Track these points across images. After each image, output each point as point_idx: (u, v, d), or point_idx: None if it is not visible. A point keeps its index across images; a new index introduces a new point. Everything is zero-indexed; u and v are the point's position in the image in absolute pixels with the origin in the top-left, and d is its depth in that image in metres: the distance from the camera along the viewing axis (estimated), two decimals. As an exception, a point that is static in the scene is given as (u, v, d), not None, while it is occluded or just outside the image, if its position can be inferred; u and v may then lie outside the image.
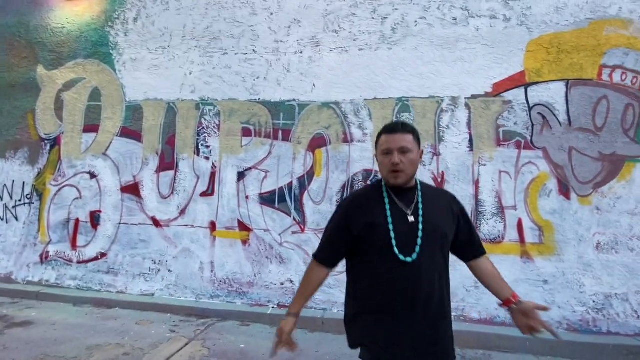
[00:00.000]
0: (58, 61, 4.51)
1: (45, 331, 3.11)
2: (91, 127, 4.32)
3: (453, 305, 3.43)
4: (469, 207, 3.56)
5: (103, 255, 4.13)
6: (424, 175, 3.65)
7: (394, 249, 1.21)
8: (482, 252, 1.46)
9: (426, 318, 1.24)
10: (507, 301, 1.34)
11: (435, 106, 3.73)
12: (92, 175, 4.25)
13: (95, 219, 4.20)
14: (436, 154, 3.67)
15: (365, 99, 3.85)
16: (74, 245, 4.20)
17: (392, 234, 1.23)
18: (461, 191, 3.57)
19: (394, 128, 1.30)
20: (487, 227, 3.52)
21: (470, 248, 1.45)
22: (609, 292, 3.28)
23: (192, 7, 4.29)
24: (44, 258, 4.25)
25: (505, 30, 3.69)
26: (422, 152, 1.38)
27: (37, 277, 4.23)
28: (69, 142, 4.35)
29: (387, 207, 1.29)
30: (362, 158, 3.78)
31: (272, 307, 3.70)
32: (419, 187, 1.35)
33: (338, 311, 3.59)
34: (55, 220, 4.28)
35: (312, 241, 3.77)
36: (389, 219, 1.26)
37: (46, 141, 4.40)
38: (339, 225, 1.36)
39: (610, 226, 3.34)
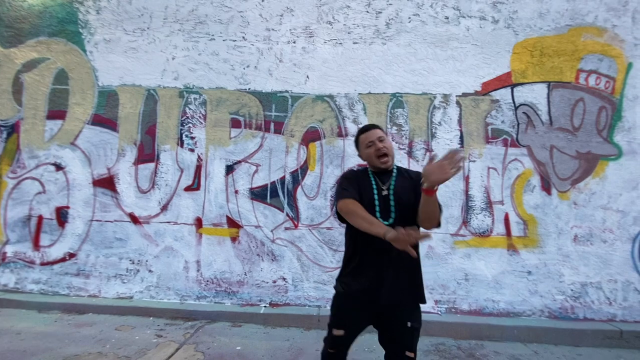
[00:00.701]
0: (17, 38, 3.98)
1: (10, 341, 2.73)
2: (56, 113, 3.88)
3: (444, 297, 3.57)
4: (459, 202, 3.66)
5: (72, 255, 3.73)
6: (417, 170, 3.68)
7: (377, 214, 1.60)
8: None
9: (401, 262, 1.56)
10: (423, 190, 1.52)
11: (428, 103, 3.78)
12: (58, 167, 3.82)
13: (62, 215, 3.78)
14: (429, 150, 3.73)
15: (359, 93, 3.81)
16: (36, 245, 3.76)
17: (377, 202, 1.63)
18: (452, 186, 3.66)
19: (368, 127, 1.79)
20: (476, 221, 3.64)
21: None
22: (585, 280, 3.53)
23: (175, -13, 3.98)
24: (1, 260, 3.76)
25: (493, 32, 3.82)
26: (391, 140, 1.90)
27: (-9, 282, 3.73)
28: (29, 129, 3.87)
29: (374, 184, 1.69)
30: (356, 152, 3.73)
31: (265, 306, 3.56)
32: (394, 171, 1.75)
33: (332, 308, 3.53)
34: (13, 218, 3.80)
35: (306, 237, 3.68)
36: (374, 192, 1.65)
37: (2, 128, 3.89)
38: (352, 181, 1.70)
39: (585, 220, 3.59)
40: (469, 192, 3.68)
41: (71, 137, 3.84)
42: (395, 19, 3.87)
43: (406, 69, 3.82)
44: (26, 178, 3.82)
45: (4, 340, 2.76)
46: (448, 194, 3.65)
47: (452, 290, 3.58)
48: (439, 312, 3.54)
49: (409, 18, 3.87)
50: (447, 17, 3.86)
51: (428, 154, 3.71)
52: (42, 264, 3.74)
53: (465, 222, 3.64)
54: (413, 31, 3.85)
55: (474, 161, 3.70)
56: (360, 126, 1.78)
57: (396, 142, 3.73)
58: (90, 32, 3.95)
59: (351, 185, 1.68)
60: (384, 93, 3.80)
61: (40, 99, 3.89)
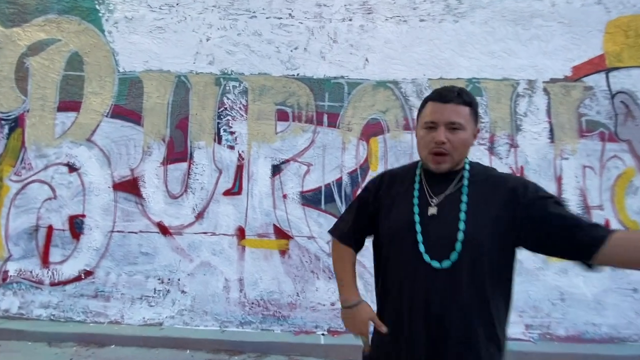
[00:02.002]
0: (20, 16, 3.38)
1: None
2: (69, 104, 3.27)
3: (537, 321, 2.98)
4: (551, 207, 3.09)
5: (88, 273, 3.12)
6: (501, 169, 3.10)
7: (420, 246, 0.96)
8: (599, 242, 0.85)
9: (447, 343, 0.93)
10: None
11: (511, 90, 3.22)
12: (72, 168, 3.21)
13: (76, 225, 3.17)
14: (513, 145, 3.17)
15: (429, 79, 3.25)
16: (45, 262, 3.14)
17: (418, 228, 0.98)
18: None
19: (446, 95, 0.99)
20: (572, 230, 3.07)
21: (576, 245, 0.89)
22: None
23: (209, -44, 3.40)
24: (2, 279, 3.13)
25: (582, 8, 3.28)
26: (478, 131, 1.09)
27: (-10, 306, 3.11)
28: (36, 123, 3.26)
29: (416, 194, 1.04)
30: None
31: (323, 334, 2.97)
32: (466, 169, 1.03)
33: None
34: (17, 229, 3.18)
35: (369, 250, 3.08)
36: (414, 209, 1.01)
37: (3, 122, 3.27)
38: (367, 196, 1.16)
39: (703, 227, 3.04)
40: (562, 195, 3.11)
41: (87, 132, 3.24)
42: (469, -8, 3.32)
43: (483, 51, 3.26)
44: (33, 181, 3.21)
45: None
46: (539, 197, 3.09)
47: (546, 313, 3.01)
48: (532, 339, 2.97)
49: (485, -8, 3.31)
50: (528, -9, 3.30)
51: (513, 150, 3.15)
52: (52, 284, 3.12)
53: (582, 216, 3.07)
54: (489, 7, 3.30)
55: (566, 159, 3.14)
56: (438, 89, 1.05)
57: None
58: (109, 8, 3.35)
59: (359, 205, 1.18)
60: (458, 78, 3.23)
61: (49, 88, 3.29)
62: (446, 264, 0.93)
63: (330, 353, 2.78)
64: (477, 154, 3.16)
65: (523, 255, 2.82)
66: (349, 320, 1.09)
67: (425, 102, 1.06)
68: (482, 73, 3.24)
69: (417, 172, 1.08)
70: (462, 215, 0.95)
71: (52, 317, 3.08)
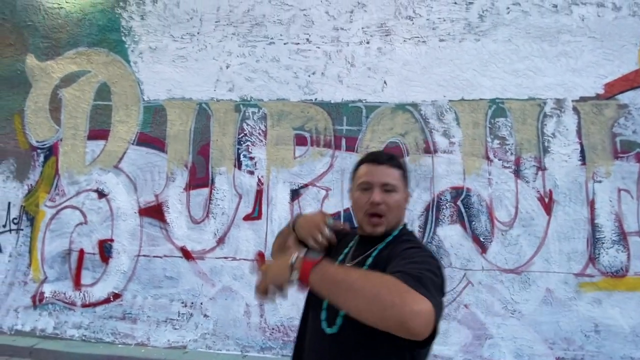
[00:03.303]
0: (54, 50, 3.58)
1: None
2: (98, 132, 3.44)
3: (569, 354, 2.82)
4: (583, 233, 2.93)
5: (116, 296, 3.25)
6: (528, 194, 3.00)
7: (323, 312, 0.95)
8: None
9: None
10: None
11: (537, 110, 3.09)
12: (101, 194, 3.36)
13: (105, 249, 3.31)
14: (541, 168, 3.03)
15: (450, 100, 3.17)
16: (77, 284, 3.30)
17: None
18: (574, 214, 2.95)
19: (379, 158, 1.06)
20: (607, 258, 2.90)
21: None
22: None
23: (228, -15, 3.48)
24: (38, 301, 3.32)
25: (615, 21, 3.10)
26: (410, 195, 1.10)
27: (28, 326, 3.30)
28: (69, 151, 3.44)
29: (341, 256, 1.06)
30: (449, 172, 3.10)
31: (343, 362, 2.95)
32: (392, 234, 1.02)
33: None
34: (52, 252, 3.36)
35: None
36: None
37: (39, 150, 3.48)
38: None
39: None
40: (596, 221, 2.94)
41: (114, 159, 3.38)
42: (491, 9, 3.22)
43: (506, 70, 3.15)
44: (66, 207, 3.39)
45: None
46: (569, 223, 2.94)
47: (579, 345, 2.85)
48: (564, 373, 2.83)
49: (508, 8, 3.20)
50: (555, 6, 3.16)
51: (540, 172, 3.02)
52: (84, 305, 3.28)
53: (593, 258, 2.91)
54: (513, 24, 3.18)
55: (600, 182, 2.97)
56: (372, 152, 1.16)
57: (499, 159, 3.06)
58: (134, 40, 3.50)
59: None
60: (480, 99, 3.14)
61: (80, 117, 3.47)
62: (333, 329, 0.93)
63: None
64: (502, 177, 3.06)
65: (553, 284, 2.71)
66: (308, 221, 1.07)
67: (358, 164, 1.09)
68: (506, 93, 3.13)
69: (352, 242, 1.09)
70: None
71: (83, 338, 3.23)
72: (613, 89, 3.05)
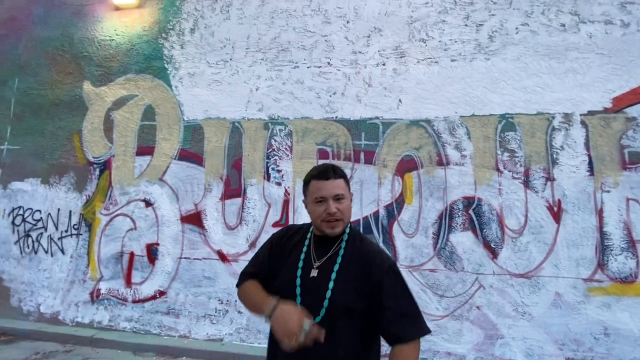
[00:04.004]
0: (106, 77, 4.10)
1: (116, 396, 2.66)
2: (145, 149, 3.91)
3: (579, 355, 2.98)
4: (592, 240, 3.08)
5: (162, 293, 3.68)
6: (537, 203, 3.19)
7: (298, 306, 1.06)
8: (395, 341, 1.07)
9: None
10: None
11: (546, 124, 3.27)
12: (148, 203, 3.82)
13: (152, 252, 3.76)
14: (550, 178, 3.21)
15: (461, 116, 3.40)
16: (128, 282, 3.77)
17: (298, 287, 1.12)
18: (582, 222, 3.11)
19: (326, 173, 1.18)
20: (616, 264, 3.04)
21: (385, 333, 1.10)
22: None
23: (256, 15, 3.88)
24: (95, 296, 3.81)
25: (623, 38, 3.24)
26: (352, 195, 1.26)
27: (87, 318, 3.79)
28: (120, 166, 3.92)
29: (303, 256, 1.18)
30: (461, 183, 3.33)
31: (363, 357, 3.23)
32: (345, 236, 1.20)
33: (441, 362, 3.12)
34: (106, 254, 3.84)
35: (406, 279, 3.30)
36: (298, 270, 1.15)
37: (95, 165, 3.99)
38: (271, 246, 1.29)
39: None
40: (604, 229, 3.09)
41: (159, 172, 3.83)
42: (500, 30, 3.43)
43: (516, 87, 3.35)
44: (118, 214, 3.87)
45: (112, 393, 2.69)
46: (577, 231, 3.10)
47: (589, 347, 3.00)
48: (574, 373, 2.98)
49: (516, 29, 3.41)
50: (563, 25, 3.34)
51: (549, 183, 3.20)
52: (134, 301, 3.73)
53: (602, 265, 3.05)
54: (522, 43, 3.38)
55: (608, 191, 3.12)
56: (319, 165, 1.25)
57: (509, 171, 3.26)
58: (175, 67, 3.95)
59: (262, 255, 1.27)
60: (490, 115, 3.35)
61: (129, 136, 3.95)
62: (316, 319, 1.04)
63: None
64: (512, 188, 3.26)
65: (562, 289, 2.88)
66: (281, 324, 1.00)
67: (308, 180, 1.21)
68: (515, 108, 3.33)
69: (308, 235, 1.23)
70: (331, 284, 1.09)
71: (134, 330, 3.68)
72: (621, 103, 3.19)
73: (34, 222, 4.07)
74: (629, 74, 3.20)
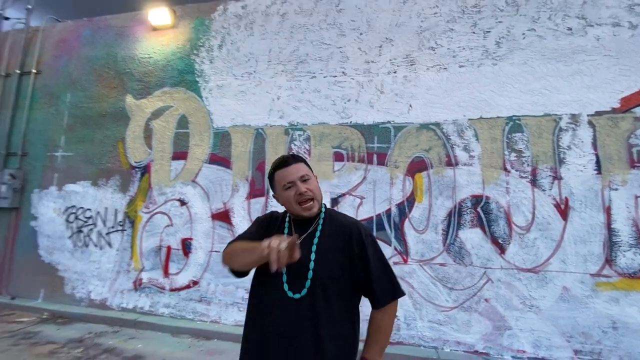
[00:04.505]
0: (146, 90, 4.61)
1: (160, 368, 3.08)
2: (180, 154, 4.36)
3: (587, 347, 3.10)
4: (600, 237, 3.18)
5: (195, 283, 4.11)
6: (544, 201, 3.32)
7: (284, 285, 1.16)
8: (379, 304, 1.24)
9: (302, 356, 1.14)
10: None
11: (553, 125, 3.40)
12: (183, 202, 4.27)
13: (186, 246, 4.20)
14: (557, 177, 3.33)
15: (469, 119, 3.59)
16: (166, 273, 4.22)
17: (284, 268, 1.13)
18: (590, 219, 3.21)
19: (286, 161, 1.29)
20: (624, 260, 3.13)
21: (369, 295, 1.26)
22: None
23: (277, 31, 4.24)
24: (138, 285, 4.29)
25: (632, 39, 3.32)
26: (317, 177, 1.36)
27: (131, 304, 4.28)
28: (158, 169, 4.40)
29: (285, 233, 1.25)
30: (469, 182, 3.51)
31: (377, 344, 3.48)
32: (321, 215, 1.29)
33: (451, 350, 3.31)
34: (147, 247, 4.32)
35: (417, 273, 3.53)
36: None
37: (136, 169, 4.49)
38: (259, 225, 1.37)
39: None
40: (612, 226, 3.18)
41: (192, 175, 4.27)
42: (507, 36, 3.59)
43: (523, 90, 3.50)
44: (157, 212, 4.34)
45: (155, 365, 3.11)
46: (585, 227, 3.21)
47: (597, 340, 3.10)
48: (581, 365, 3.09)
49: (523, 34, 3.56)
50: (569, 29, 3.46)
51: (556, 182, 3.32)
52: (171, 289, 4.18)
53: (609, 260, 3.15)
54: (529, 47, 3.53)
55: (616, 189, 3.21)
56: (277, 158, 1.34)
57: (516, 170, 3.42)
58: (205, 80, 4.39)
59: (250, 231, 1.35)
60: (498, 117, 3.52)
61: (166, 142, 4.42)
62: (302, 293, 1.14)
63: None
64: (519, 186, 3.40)
65: (569, 283, 3.03)
66: (268, 250, 1.06)
67: (272, 173, 1.31)
68: (523, 110, 3.48)
69: (287, 218, 1.33)
70: (313, 256, 1.18)
71: (171, 315, 4.13)
72: (629, 103, 3.27)
73: (85, 220, 4.62)
74: (638, 75, 3.28)
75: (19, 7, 6.08)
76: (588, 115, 3.32)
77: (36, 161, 4.92)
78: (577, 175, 3.29)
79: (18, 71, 5.25)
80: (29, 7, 5.70)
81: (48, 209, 4.76)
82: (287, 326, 1.13)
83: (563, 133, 3.37)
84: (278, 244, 1.01)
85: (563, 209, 3.28)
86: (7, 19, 5.98)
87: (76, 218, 4.66)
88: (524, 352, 3.18)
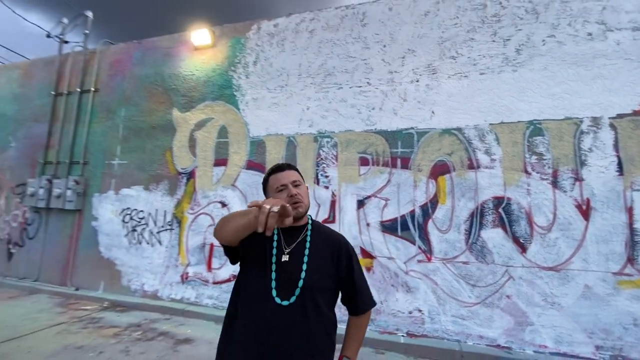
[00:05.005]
0: (190, 104, 5.14)
1: (208, 350, 3.51)
2: (220, 161, 4.84)
3: (608, 343, 3.20)
4: (621, 236, 3.27)
5: (235, 277, 4.53)
6: (565, 202, 3.44)
7: (272, 291, 1.19)
8: (359, 312, 1.39)
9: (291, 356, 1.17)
10: (339, 357, 1.37)
11: (574, 128, 3.51)
12: (223, 204, 4.73)
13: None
14: (578, 179, 3.44)
15: (490, 124, 3.77)
16: (209, 268, 4.70)
17: (273, 272, 1.22)
18: (612, 219, 3.30)
19: (281, 167, 1.38)
20: (648, 259, 3.19)
21: (351, 304, 1.38)
22: None
23: (306, 46, 4.62)
24: (184, 278, 4.80)
25: (654, 41, 3.37)
26: (307, 187, 1.44)
27: (179, 295, 4.79)
28: (202, 175, 4.91)
29: (274, 243, 1.28)
30: (491, 185, 3.69)
31: (403, 336, 3.74)
32: (309, 226, 1.36)
33: (474, 343, 3.51)
34: (192, 245, 4.83)
35: (441, 271, 3.75)
36: (273, 255, 1.25)
37: (183, 174, 5.02)
38: None
39: None
40: (634, 226, 3.25)
41: (231, 179, 4.73)
42: (527, 43, 3.74)
43: (543, 94, 3.63)
44: (201, 213, 4.83)
45: (203, 348, 3.56)
46: (607, 227, 3.30)
47: (618, 336, 3.18)
48: (603, 359, 3.19)
49: (543, 41, 3.69)
50: (589, 34, 3.56)
51: (578, 183, 3.43)
52: (214, 283, 4.65)
53: (631, 259, 3.22)
54: (549, 53, 3.66)
55: (638, 190, 3.28)
56: (271, 166, 1.43)
57: (537, 172, 3.56)
58: (242, 93, 4.84)
59: None
60: (518, 121, 3.68)
61: (208, 151, 4.92)
62: (291, 300, 1.17)
63: (409, 351, 3.54)
64: (540, 188, 3.54)
65: (591, 281, 3.18)
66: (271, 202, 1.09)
67: (267, 177, 1.40)
68: (543, 114, 3.61)
69: (274, 234, 1.33)
70: (304, 266, 1.23)
71: (214, 305, 4.59)
72: (652, 105, 3.33)
73: (138, 220, 5.22)
74: (661, 77, 3.32)
75: (78, 32, 6.89)
76: (609, 118, 3.41)
77: (96, 169, 5.60)
78: (599, 177, 3.38)
79: (78, 89, 5.99)
80: (86, 31, 6.46)
81: (106, 211, 5.41)
82: (275, 333, 1.15)
83: (584, 136, 3.47)
84: (270, 207, 0.98)
85: (585, 210, 3.38)
86: (66, 42, 6.79)
87: (131, 218, 5.27)
88: (545, 347, 3.32)
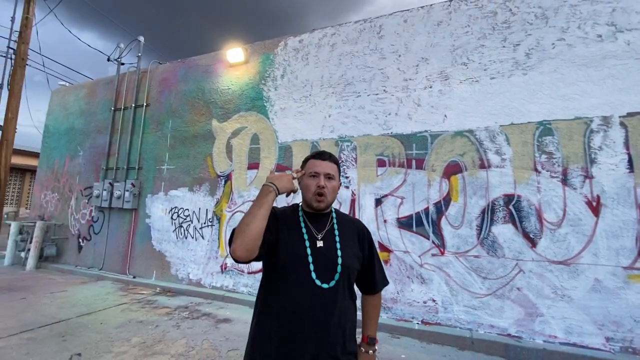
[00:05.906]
0: (226, 115, 5.80)
1: (244, 327, 4.07)
2: (253, 165, 5.43)
3: (618, 335, 3.32)
4: (632, 231, 3.35)
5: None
6: (575, 199, 3.58)
7: (312, 274, 1.21)
8: (378, 290, 1.42)
9: (325, 344, 1.19)
10: (364, 338, 1.41)
11: (584, 127, 3.64)
12: (256, 204, 5.30)
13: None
14: (588, 176, 3.56)
15: (501, 125, 3.98)
16: (244, 260, 5.27)
17: (310, 257, 1.23)
18: (622, 215, 3.39)
19: (323, 155, 1.36)
20: (660, 254, 3.25)
21: (369, 283, 1.41)
22: None
23: (328, 59, 5.07)
24: (223, 268, 5.44)
25: (667, 40, 3.42)
26: (341, 184, 1.47)
27: (219, 283, 5.44)
28: (237, 177, 5.53)
29: (304, 230, 1.30)
30: (501, 183, 3.90)
31: (417, 323, 4.05)
32: (333, 214, 1.39)
33: (485, 332, 3.73)
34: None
35: (453, 264, 4.02)
36: (306, 242, 1.26)
37: (221, 177, 5.69)
38: (271, 220, 1.28)
39: None
40: (647, 221, 3.33)
41: (263, 181, 5.29)
42: (536, 47, 3.91)
43: (553, 96, 3.79)
44: (237, 211, 5.46)
45: (241, 326, 4.12)
46: (617, 223, 3.40)
47: (628, 329, 3.27)
48: (612, 351, 3.29)
49: (553, 44, 3.85)
50: (599, 35, 3.67)
51: (588, 180, 3.56)
52: (249, 272, 5.23)
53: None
54: (558, 56, 3.81)
55: (650, 187, 3.34)
56: (317, 150, 1.46)
57: (547, 170, 3.72)
58: (271, 104, 5.41)
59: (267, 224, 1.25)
60: (528, 122, 3.86)
61: (243, 156, 5.53)
62: (331, 284, 1.21)
63: (422, 336, 3.85)
64: (550, 185, 3.70)
65: (601, 275, 3.36)
66: (283, 179, 1.26)
67: (307, 159, 1.39)
68: (553, 115, 3.76)
69: (300, 214, 1.37)
70: (339, 250, 1.27)
71: (249, 292, 5.18)
72: (665, 103, 3.38)
73: (184, 217, 5.97)
74: (675, 75, 3.37)
75: (132, 54, 7.91)
76: (620, 117, 3.50)
77: (148, 173, 6.46)
78: (609, 174, 3.48)
79: (133, 105, 6.92)
80: (139, 54, 7.41)
81: (157, 209, 6.22)
82: (317, 312, 1.19)
83: (594, 134, 3.58)
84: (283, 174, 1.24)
85: (595, 206, 3.50)
86: (122, 64, 7.82)
87: (178, 216, 6.03)
88: (555, 337, 3.48)
